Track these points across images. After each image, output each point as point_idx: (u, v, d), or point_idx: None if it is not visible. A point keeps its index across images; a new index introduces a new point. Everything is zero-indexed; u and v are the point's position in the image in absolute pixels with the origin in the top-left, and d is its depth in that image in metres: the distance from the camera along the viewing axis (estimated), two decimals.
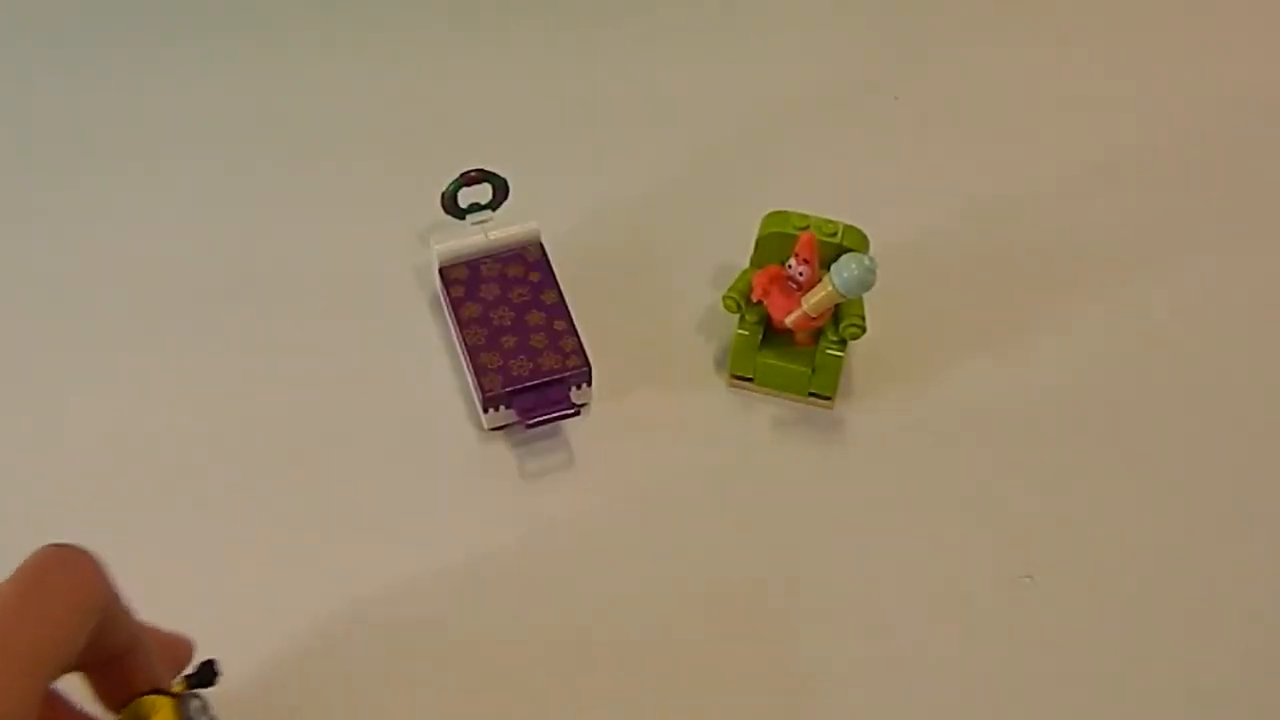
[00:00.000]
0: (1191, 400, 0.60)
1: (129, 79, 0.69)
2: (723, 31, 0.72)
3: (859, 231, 0.58)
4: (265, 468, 0.58)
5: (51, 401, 0.59)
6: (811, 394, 0.59)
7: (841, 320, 0.58)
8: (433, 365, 0.60)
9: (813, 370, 0.58)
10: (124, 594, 0.41)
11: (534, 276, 0.60)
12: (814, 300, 0.55)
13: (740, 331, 0.58)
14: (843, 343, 0.58)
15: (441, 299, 0.60)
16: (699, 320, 0.62)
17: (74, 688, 0.41)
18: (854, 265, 0.53)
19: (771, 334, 0.59)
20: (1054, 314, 0.63)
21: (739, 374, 0.60)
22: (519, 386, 0.57)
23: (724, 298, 0.58)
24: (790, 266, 0.57)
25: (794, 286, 0.57)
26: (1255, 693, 0.53)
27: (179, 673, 0.46)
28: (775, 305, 0.57)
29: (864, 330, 0.57)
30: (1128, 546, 0.56)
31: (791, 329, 0.58)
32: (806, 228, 0.58)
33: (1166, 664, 0.54)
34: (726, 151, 0.67)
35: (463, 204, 0.60)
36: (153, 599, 0.54)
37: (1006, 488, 0.58)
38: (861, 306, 0.58)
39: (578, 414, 0.57)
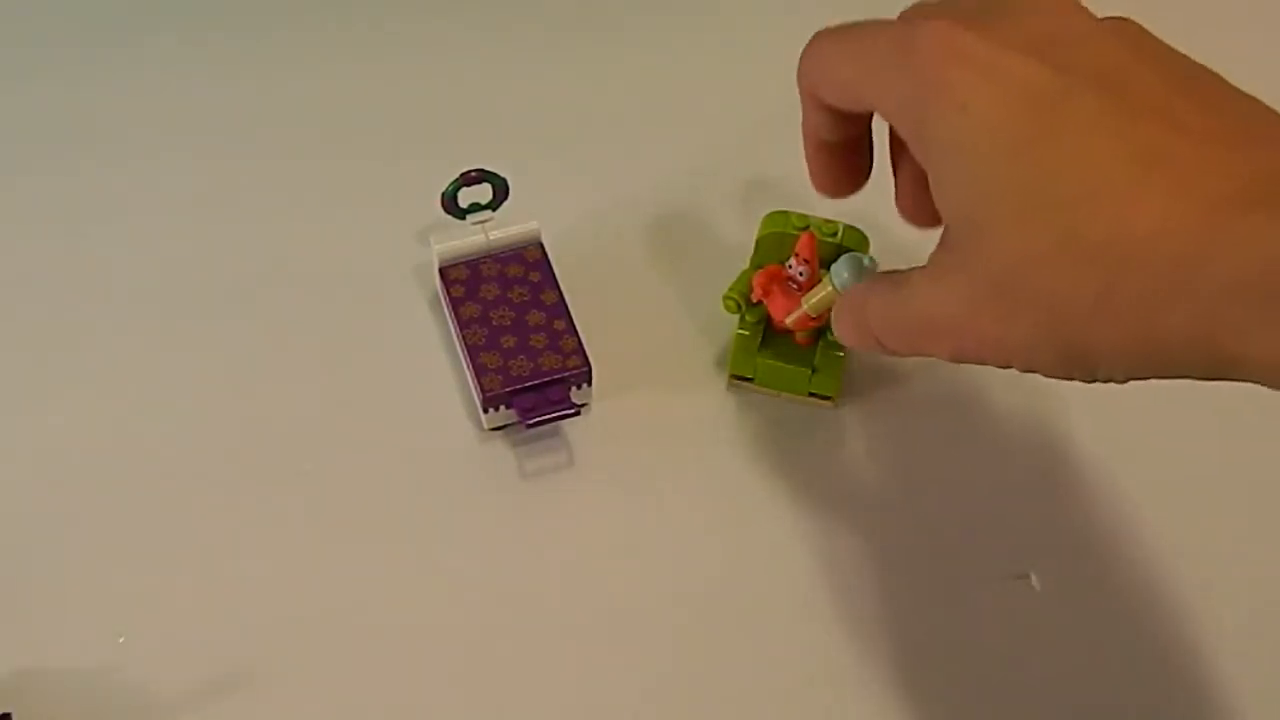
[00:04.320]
0: (1192, 398, 0.60)
1: (125, 78, 0.69)
2: (723, 31, 0.72)
3: (859, 231, 0.58)
4: (264, 467, 0.58)
5: (50, 401, 0.59)
6: (812, 394, 0.59)
7: None
8: (433, 365, 0.60)
9: (813, 370, 0.58)
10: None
11: (534, 276, 0.60)
12: (814, 300, 0.55)
13: (740, 331, 0.58)
14: None
15: (441, 299, 0.60)
16: (699, 320, 0.62)
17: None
18: (854, 265, 0.53)
19: (771, 334, 0.59)
20: None
21: (739, 374, 0.60)
22: (519, 386, 0.57)
23: (724, 298, 0.58)
24: (790, 266, 0.57)
25: (794, 286, 0.57)
26: (1256, 692, 0.53)
27: None
28: (775, 305, 0.57)
29: None
30: (1128, 546, 0.56)
31: (792, 329, 0.58)
32: (806, 228, 0.58)
33: (1167, 663, 0.54)
34: (726, 151, 0.67)
35: (463, 204, 0.60)
36: (150, 598, 0.55)
37: (1006, 487, 0.58)
38: None
39: (578, 414, 0.57)
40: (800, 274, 0.56)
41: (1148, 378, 0.39)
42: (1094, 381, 0.40)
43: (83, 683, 0.52)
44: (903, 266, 0.60)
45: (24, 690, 0.52)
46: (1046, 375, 0.41)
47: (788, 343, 0.59)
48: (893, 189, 0.51)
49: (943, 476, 0.58)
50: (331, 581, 0.55)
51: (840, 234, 0.58)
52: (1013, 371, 0.60)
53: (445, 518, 0.57)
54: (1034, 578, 0.55)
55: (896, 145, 0.49)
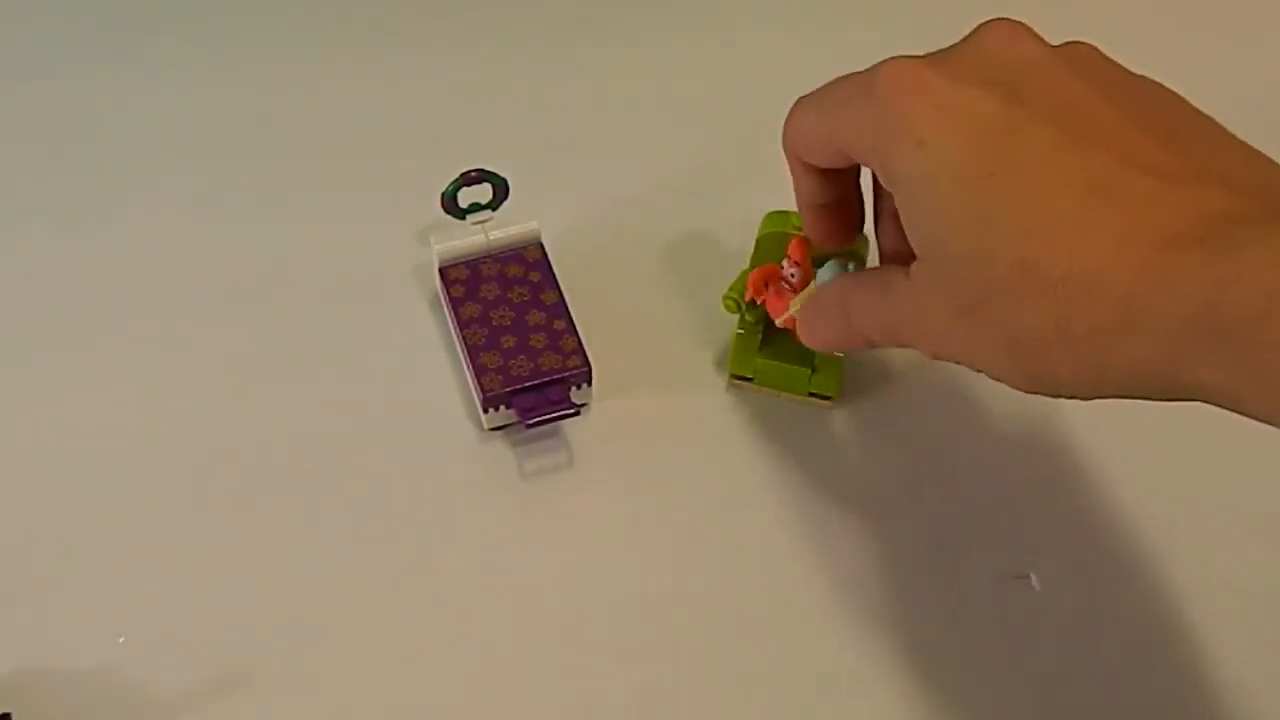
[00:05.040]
0: None
1: (125, 78, 0.69)
2: (723, 31, 0.72)
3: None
4: (264, 467, 0.58)
5: (49, 401, 0.59)
6: (812, 394, 0.59)
7: None
8: (433, 365, 0.60)
9: (813, 370, 0.58)
10: None
11: (534, 276, 0.60)
12: (800, 306, 0.55)
13: (740, 331, 0.58)
14: None
15: (441, 299, 0.60)
16: (699, 320, 0.62)
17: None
18: (837, 272, 0.53)
19: (771, 334, 0.59)
20: None
21: (739, 374, 0.59)
22: (519, 386, 0.57)
23: (724, 298, 0.58)
24: (784, 267, 0.56)
25: (787, 287, 0.56)
26: (1256, 691, 0.53)
27: None
28: (770, 306, 0.57)
29: None
30: (1128, 546, 0.56)
31: (786, 329, 0.57)
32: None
33: (1167, 662, 0.54)
34: (726, 151, 0.67)
35: (463, 204, 0.60)
36: (150, 598, 0.55)
37: (1006, 487, 0.58)
38: None
39: (578, 414, 0.57)
40: (792, 275, 0.56)
41: (1109, 398, 0.41)
42: (1059, 398, 0.42)
43: (83, 683, 0.52)
44: None
45: (24, 690, 0.52)
46: (1015, 389, 0.43)
47: (788, 343, 0.59)
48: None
49: (943, 476, 0.58)
50: (331, 581, 0.55)
51: None
52: None
53: (445, 518, 0.57)
54: (1034, 578, 0.55)
55: (879, 200, 0.51)
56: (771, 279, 0.57)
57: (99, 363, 0.60)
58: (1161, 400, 0.40)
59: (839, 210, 0.51)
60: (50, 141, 0.67)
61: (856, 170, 0.50)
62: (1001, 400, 0.60)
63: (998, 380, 0.43)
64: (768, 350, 0.59)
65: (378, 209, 0.65)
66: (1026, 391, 0.43)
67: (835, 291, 0.49)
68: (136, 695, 0.52)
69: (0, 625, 0.54)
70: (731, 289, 0.58)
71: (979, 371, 0.44)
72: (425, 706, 0.52)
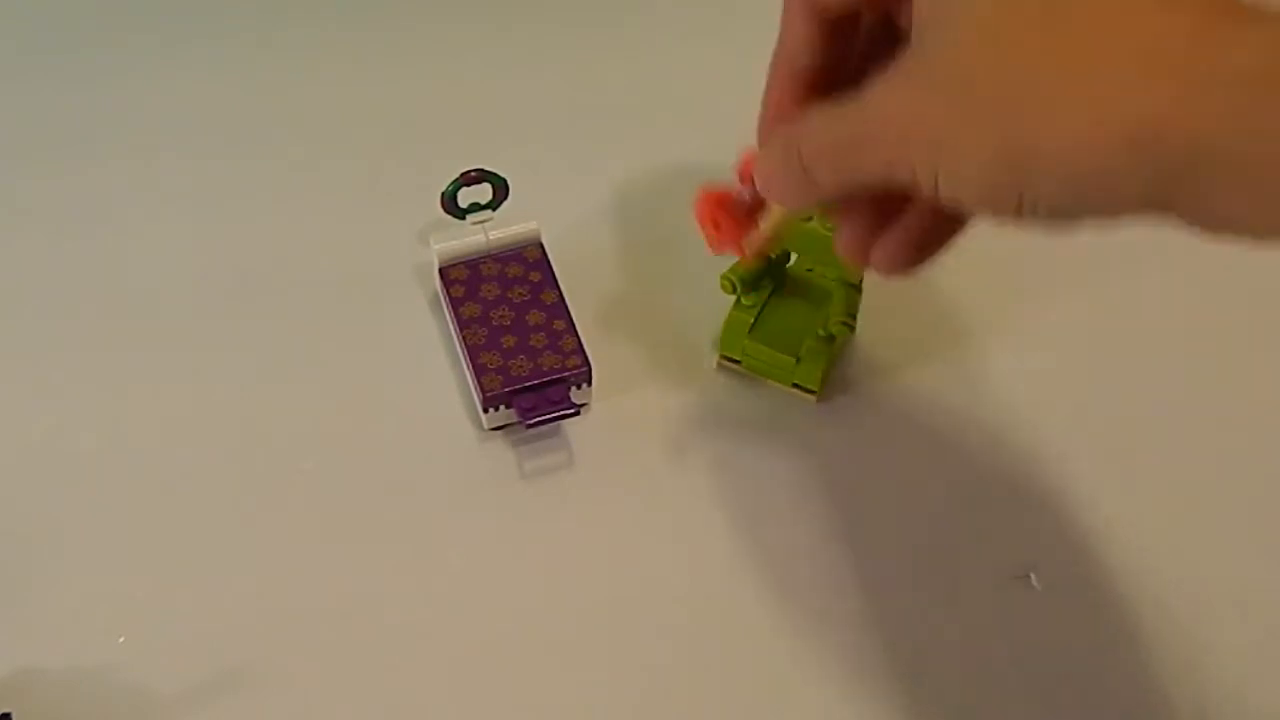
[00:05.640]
0: (1189, 396, 0.60)
1: (126, 78, 0.69)
2: (723, 30, 0.72)
3: None
4: (264, 466, 0.58)
5: (49, 401, 0.59)
6: (796, 385, 0.59)
7: (830, 315, 0.58)
8: (433, 365, 0.60)
9: (797, 360, 0.58)
10: None
11: (534, 276, 0.60)
12: (773, 221, 0.50)
13: (735, 312, 0.58)
14: (830, 337, 0.58)
15: (441, 299, 0.60)
16: (699, 320, 0.62)
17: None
18: None
19: (764, 320, 0.59)
20: (1050, 311, 0.62)
21: (727, 355, 0.59)
22: (519, 386, 0.57)
23: (722, 277, 0.58)
24: (740, 193, 0.52)
25: (743, 211, 0.51)
26: (1256, 689, 0.53)
27: None
28: (727, 232, 0.51)
29: (853, 329, 0.57)
30: (1127, 544, 0.56)
31: (752, 255, 0.52)
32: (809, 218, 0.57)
33: (1167, 662, 0.54)
34: (727, 151, 0.67)
35: (463, 204, 0.60)
36: (150, 598, 0.55)
37: (1007, 487, 0.58)
38: (855, 305, 0.58)
39: (578, 414, 0.57)
40: (748, 196, 0.51)
41: (1076, 213, 0.38)
42: (1018, 215, 0.39)
43: (83, 683, 0.52)
44: None
45: (24, 690, 0.52)
46: (969, 202, 0.40)
47: (778, 330, 0.58)
48: None
49: (945, 476, 0.58)
50: (331, 581, 0.55)
51: None
52: (1017, 367, 0.60)
53: (445, 518, 0.57)
54: (1034, 578, 0.55)
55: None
56: (723, 205, 0.51)
57: (99, 362, 0.60)
58: (1137, 211, 0.38)
59: (815, 79, 0.46)
60: (50, 141, 0.67)
61: (855, 34, 0.46)
62: (1005, 399, 0.60)
63: (951, 188, 0.39)
64: (756, 334, 0.59)
65: (378, 209, 0.65)
66: (985, 196, 0.39)
67: (783, 129, 0.45)
68: (136, 695, 0.52)
69: (0, 625, 0.54)
70: (731, 270, 0.58)
71: (930, 184, 0.39)
72: (425, 706, 0.52)
